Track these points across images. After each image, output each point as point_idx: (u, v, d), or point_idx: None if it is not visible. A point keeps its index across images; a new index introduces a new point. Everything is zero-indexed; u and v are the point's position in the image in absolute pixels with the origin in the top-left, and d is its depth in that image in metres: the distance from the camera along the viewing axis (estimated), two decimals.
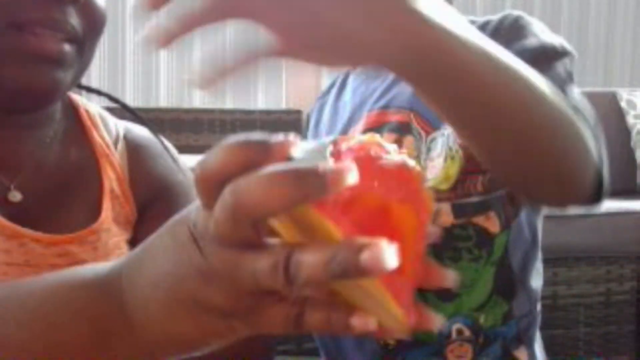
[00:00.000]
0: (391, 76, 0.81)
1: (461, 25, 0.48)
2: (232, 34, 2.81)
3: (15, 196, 0.68)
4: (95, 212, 0.71)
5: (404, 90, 0.80)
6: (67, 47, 0.64)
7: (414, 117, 0.79)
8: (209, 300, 0.33)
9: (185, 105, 2.76)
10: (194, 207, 0.35)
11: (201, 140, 2.66)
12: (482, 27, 0.77)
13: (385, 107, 0.81)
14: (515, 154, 0.55)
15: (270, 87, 2.91)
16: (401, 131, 0.79)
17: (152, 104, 2.72)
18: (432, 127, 0.77)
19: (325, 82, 2.91)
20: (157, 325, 0.36)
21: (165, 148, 0.78)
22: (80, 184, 0.72)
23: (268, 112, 2.78)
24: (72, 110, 0.76)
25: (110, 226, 0.71)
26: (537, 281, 0.81)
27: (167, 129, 2.57)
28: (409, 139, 0.79)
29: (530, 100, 0.53)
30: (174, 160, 0.79)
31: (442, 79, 0.48)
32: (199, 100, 2.81)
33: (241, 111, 2.74)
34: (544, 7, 3.17)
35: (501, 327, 0.77)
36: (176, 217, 0.36)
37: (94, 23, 0.67)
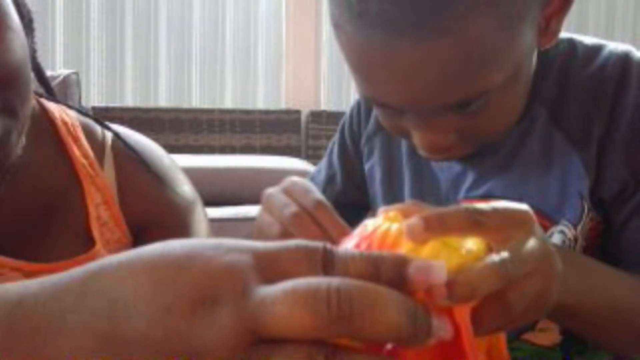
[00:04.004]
0: (479, 161, 0.70)
1: (588, 277, 0.55)
2: (231, 33, 2.81)
3: None
4: (85, 239, 0.66)
5: (503, 177, 0.69)
6: None
7: None
8: None
9: (185, 105, 2.76)
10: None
11: (201, 140, 2.66)
12: (591, 58, 0.67)
13: (485, 197, 0.70)
14: (627, 344, 0.62)
15: (269, 87, 2.91)
16: None
17: (152, 104, 2.72)
18: (550, 220, 0.67)
19: (324, 82, 2.90)
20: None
21: (142, 160, 0.71)
22: (63, 209, 0.66)
23: (267, 112, 2.78)
24: (48, 124, 0.68)
25: (104, 254, 0.64)
26: None
27: (167, 129, 2.57)
28: None
29: None
30: (166, 173, 0.73)
31: (561, 321, 0.60)
32: (198, 100, 2.81)
33: (241, 111, 2.74)
34: None
35: None
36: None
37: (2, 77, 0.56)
